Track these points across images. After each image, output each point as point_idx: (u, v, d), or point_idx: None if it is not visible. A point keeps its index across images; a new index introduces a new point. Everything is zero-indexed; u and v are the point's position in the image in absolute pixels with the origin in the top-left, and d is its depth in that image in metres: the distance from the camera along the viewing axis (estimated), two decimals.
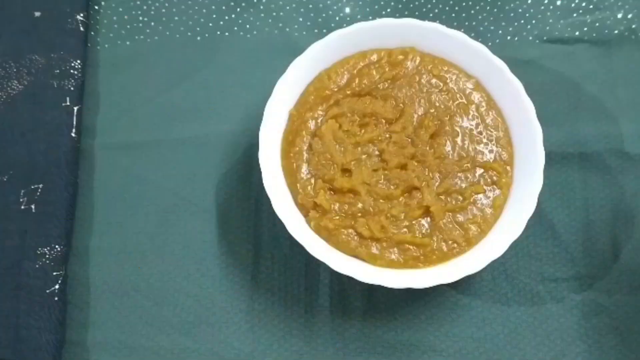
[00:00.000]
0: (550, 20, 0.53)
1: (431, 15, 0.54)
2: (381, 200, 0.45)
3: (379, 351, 0.47)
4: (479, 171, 0.46)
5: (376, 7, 0.54)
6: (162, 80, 0.53)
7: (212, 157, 0.51)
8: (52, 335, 0.45)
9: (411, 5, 0.54)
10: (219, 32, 0.54)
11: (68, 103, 0.50)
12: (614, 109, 0.51)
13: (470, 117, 0.47)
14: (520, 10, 0.53)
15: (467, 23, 0.53)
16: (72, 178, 0.49)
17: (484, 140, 0.47)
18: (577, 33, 0.53)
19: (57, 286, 0.46)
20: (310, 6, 0.54)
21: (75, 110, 0.50)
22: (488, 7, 0.53)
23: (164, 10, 0.55)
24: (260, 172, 0.44)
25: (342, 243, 0.45)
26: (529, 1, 0.53)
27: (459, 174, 0.46)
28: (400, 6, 0.54)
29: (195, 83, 0.53)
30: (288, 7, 0.54)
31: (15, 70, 0.51)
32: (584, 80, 0.52)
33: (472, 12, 0.54)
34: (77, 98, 0.51)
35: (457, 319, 0.47)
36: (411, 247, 0.45)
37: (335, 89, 0.47)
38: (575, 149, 0.50)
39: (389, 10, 0.54)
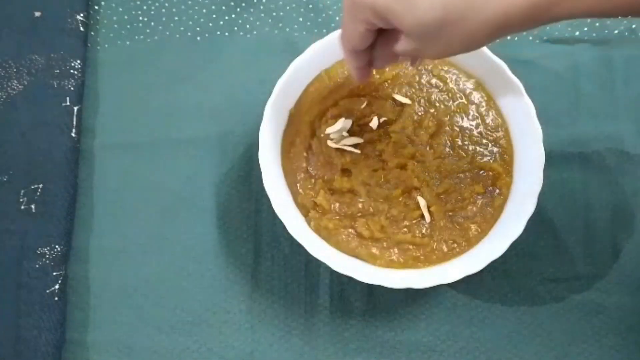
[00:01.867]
0: None
1: None
2: (381, 201, 0.45)
3: (379, 351, 0.47)
4: (479, 171, 0.46)
5: None
6: (162, 80, 0.53)
7: (212, 157, 0.51)
8: (52, 335, 0.45)
9: None
10: (219, 32, 0.54)
11: (68, 103, 0.50)
12: (614, 109, 0.51)
13: (470, 117, 0.47)
14: None
15: None
16: (72, 178, 0.49)
17: (484, 140, 0.47)
18: (577, 33, 0.53)
19: (57, 286, 0.46)
20: (310, 6, 0.54)
21: (75, 110, 0.50)
22: None
23: (164, 10, 0.55)
24: (260, 172, 0.44)
25: (342, 243, 0.45)
26: None
27: (459, 174, 0.46)
28: None
29: (195, 83, 0.53)
30: (288, 7, 0.54)
31: (15, 70, 0.51)
32: (584, 80, 0.52)
33: None
34: (77, 98, 0.51)
35: (457, 319, 0.47)
36: (411, 247, 0.45)
37: (335, 89, 0.47)
38: (575, 149, 0.50)
39: None
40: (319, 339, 0.47)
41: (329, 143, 0.46)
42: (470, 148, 0.46)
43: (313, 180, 0.46)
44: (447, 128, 0.47)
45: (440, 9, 0.32)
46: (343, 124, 0.46)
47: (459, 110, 0.47)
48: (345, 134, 0.46)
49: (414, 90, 0.47)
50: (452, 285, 0.47)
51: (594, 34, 0.53)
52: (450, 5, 0.32)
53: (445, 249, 0.45)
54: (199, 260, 0.49)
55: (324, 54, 0.47)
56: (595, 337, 0.46)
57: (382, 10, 0.33)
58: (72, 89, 0.51)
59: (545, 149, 0.44)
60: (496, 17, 0.32)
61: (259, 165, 0.44)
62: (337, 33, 0.47)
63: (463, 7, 0.32)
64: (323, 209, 0.45)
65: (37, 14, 0.53)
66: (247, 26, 0.54)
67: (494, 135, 0.47)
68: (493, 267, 0.43)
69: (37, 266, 0.47)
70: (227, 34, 0.54)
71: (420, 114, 0.47)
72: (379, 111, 0.47)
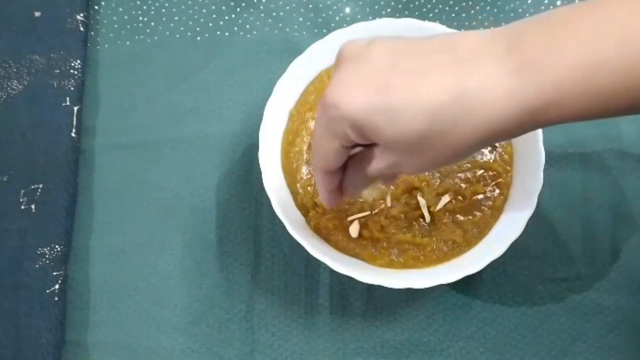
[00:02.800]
0: None
1: (431, 15, 0.54)
2: (381, 200, 0.45)
3: (379, 351, 0.46)
4: (479, 171, 0.46)
5: (376, 7, 0.54)
6: (162, 80, 0.53)
7: (212, 157, 0.51)
8: (52, 335, 0.45)
9: (411, 5, 0.54)
10: (219, 32, 0.54)
11: (68, 103, 0.50)
12: None
13: None
14: (520, 10, 0.53)
15: (467, 23, 0.53)
16: (72, 178, 0.49)
17: None
18: None
19: (57, 286, 0.46)
20: (310, 6, 0.54)
21: (75, 110, 0.50)
22: (488, 7, 0.53)
23: (164, 10, 0.55)
24: (260, 172, 0.44)
25: (342, 243, 0.45)
26: (529, 1, 0.53)
27: (459, 174, 0.46)
28: (400, 6, 0.54)
29: (195, 83, 0.53)
30: (288, 7, 0.54)
31: (15, 70, 0.51)
32: None
33: (472, 12, 0.54)
34: (77, 98, 0.51)
35: (457, 319, 0.47)
36: (411, 247, 0.45)
37: None
38: (575, 149, 0.50)
39: (389, 10, 0.54)
40: (319, 339, 0.47)
41: None
42: None
43: (313, 180, 0.46)
44: None
45: (424, 121, 0.29)
46: None
47: None
48: None
49: None
50: (452, 285, 0.47)
51: None
52: (434, 117, 0.29)
53: (445, 249, 0.45)
54: (199, 260, 0.49)
55: (324, 54, 0.47)
56: (595, 337, 0.46)
57: (361, 123, 0.30)
58: (72, 89, 0.51)
59: (545, 149, 0.44)
60: (485, 126, 0.29)
61: (259, 165, 0.44)
62: (337, 33, 0.47)
63: (449, 117, 0.29)
64: (323, 209, 0.45)
65: (37, 14, 0.53)
66: (247, 26, 0.54)
67: None
68: (493, 267, 0.43)
69: (37, 266, 0.47)
70: (227, 34, 0.54)
71: None
72: None
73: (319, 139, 0.34)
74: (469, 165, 0.46)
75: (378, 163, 0.33)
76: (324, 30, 0.53)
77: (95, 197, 0.50)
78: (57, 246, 0.47)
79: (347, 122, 0.31)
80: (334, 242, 0.45)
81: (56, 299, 0.46)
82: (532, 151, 0.45)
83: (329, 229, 0.45)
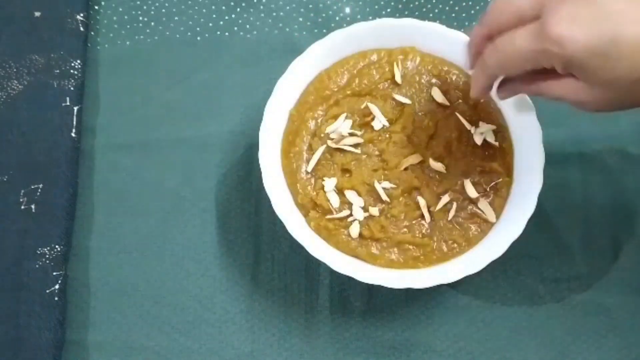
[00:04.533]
0: None
1: (431, 15, 0.54)
2: (381, 200, 0.45)
3: (379, 351, 0.47)
4: (479, 171, 0.46)
5: (376, 7, 0.54)
6: (162, 80, 0.53)
7: (212, 157, 0.51)
8: (52, 335, 0.45)
9: (411, 5, 0.54)
10: (219, 32, 0.54)
11: (68, 103, 0.50)
12: None
13: (470, 117, 0.47)
14: None
15: (467, 23, 0.53)
16: (72, 178, 0.49)
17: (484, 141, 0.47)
18: None
19: (57, 286, 0.46)
20: (310, 6, 0.54)
21: (75, 110, 0.50)
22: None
23: (164, 10, 0.55)
24: (260, 172, 0.44)
25: (342, 243, 0.45)
26: None
27: (459, 174, 0.46)
28: (400, 6, 0.54)
29: (195, 83, 0.53)
30: (288, 7, 0.54)
31: (15, 70, 0.51)
32: None
33: (472, 12, 0.54)
34: (77, 98, 0.51)
35: (457, 319, 0.47)
36: (411, 247, 0.45)
37: (335, 89, 0.47)
38: (575, 148, 0.50)
39: (389, 10, 0.54)
40: (319, 339, 0.47)
41: (329, 143, 0.46)
42: (470, 148, 0.46)
43: (313, 180, 0.46)
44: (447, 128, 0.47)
45: None
46: (343, 123, 0.46)
47: (459, 110, 0.47)
48: (345, 134, 0.46)
49: (414, 90, 0.47)
50: (452, 285, 0.47)
51: None
52: None
53: (445, 249, 0.45)
54: (199, 260, 0.49)
55: (324, 54, 0.47)
56: (595, 337, 0.46)
57: (579, 63, 0.31)
58: (72, 89, 0.51)
59: (545, 149, 0.44)
60: None
61: (259, 165, 0.44)
62: (337, 33, 0.47)
63: None
64: (323, 209, 0.45)
65: (37, 14, 0.53)
66: (247, 26, 0.54)
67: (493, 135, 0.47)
68: (493, 267, 0.43)
69: (37, 266, 0.47)
70: (227, 34, 0.54)
71: (420, 114, 0.47)
72: (379, 111, 0.47)
73: (518, 55, 0.33)
74: (468, 165, 0.46)
75: (563, 89, 0.34)
76: (324, 30, 0.53)
77: (95, 197, 0.50)
78: (57, 246, 0.47)
79: (562, 59, 0.31)
80: (334, 242, 0.45)
81: (56, 299, 0.46)
82: (532, 151, 0.45)
83: (329, 229, 0.45)
